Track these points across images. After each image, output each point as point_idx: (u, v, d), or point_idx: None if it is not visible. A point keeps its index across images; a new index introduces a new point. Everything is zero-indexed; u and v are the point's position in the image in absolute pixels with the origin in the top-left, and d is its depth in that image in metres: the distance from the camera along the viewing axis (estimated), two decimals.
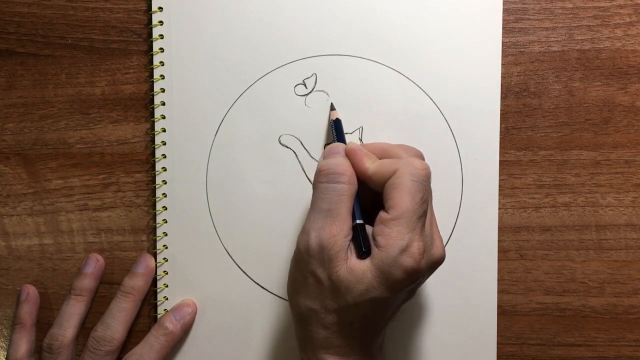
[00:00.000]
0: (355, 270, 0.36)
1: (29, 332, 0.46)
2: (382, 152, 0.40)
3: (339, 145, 0.40)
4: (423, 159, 0.40)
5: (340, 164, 0.38)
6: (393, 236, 0.35)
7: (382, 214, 0.36)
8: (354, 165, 0.38)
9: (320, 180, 0.38)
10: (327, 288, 0.36)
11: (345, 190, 0.37)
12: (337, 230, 0.36)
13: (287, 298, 0.46)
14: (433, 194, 0.39)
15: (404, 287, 0.36)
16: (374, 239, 0.36)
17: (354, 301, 0.36)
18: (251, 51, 0.45)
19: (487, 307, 0.45)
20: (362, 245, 0.36)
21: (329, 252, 0.36)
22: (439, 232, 0.39)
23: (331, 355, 0.37)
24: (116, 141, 0.47)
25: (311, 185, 0.45)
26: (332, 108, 0.45)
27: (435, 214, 0.40)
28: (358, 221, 0.37)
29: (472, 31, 0.44)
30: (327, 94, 0.45)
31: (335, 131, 0.43)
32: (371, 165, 0.38)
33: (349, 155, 0.39)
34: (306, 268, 0.37)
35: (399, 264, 0.35)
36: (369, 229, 0.37)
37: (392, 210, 0.36)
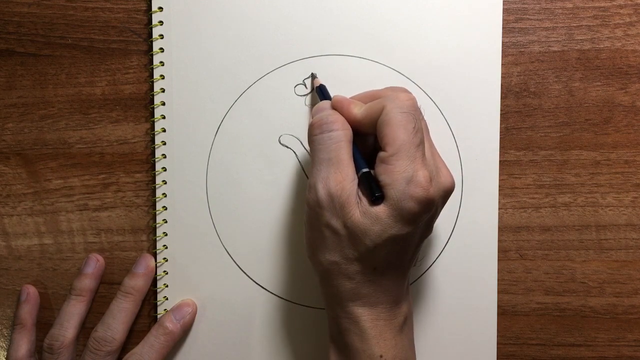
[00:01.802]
0: (369, 212, 0.36)
1: (29, 332, 0.46)
2: (371, 97, 0.40)
3: (324, 102, 0.41)
4: (407, 91, 0.40)
5: (330, 114, 0.38)
6: (396, 171, 0.35)
7: (380, 153, 0.36)
8: (343, 115, 0.39)
9: (315, 132, 0.38)
10: (345, 237, 0.36)
11: (341, 136, 0.37)
12: (343, 176, 0.36)
13: (287, 298, 0.46)
14: None
15: (419, 218, 0.36)
16: (378, 179, 0.36)
17: (373, 243, 0.36)
18: (251, 51, 0.45)
19: (487, 307, 0.45)
20: (373, 190, 0.36)
21: (339, 199, 0.36)
22: (443, 161, 0.39)
23: (360, 306, 0.37)
24: (116, 141, 0.47)
25: None
26: (314, 77, 0.45)
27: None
28: (364, 170, 0.37)
29: (472, 31, 0.44)
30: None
31: (322, 96, 0.43)
32: (359, 110, 0.38)
33: (336, 106, 0.39)
34: (320, 222, 0.37)
35: (408, 195, 0.35)
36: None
37: (389, 147, 0.36)
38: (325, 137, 0.37)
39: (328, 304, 0.40)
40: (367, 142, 0.40)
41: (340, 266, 0.37)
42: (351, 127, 0.38)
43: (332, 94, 0.45)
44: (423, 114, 0.39)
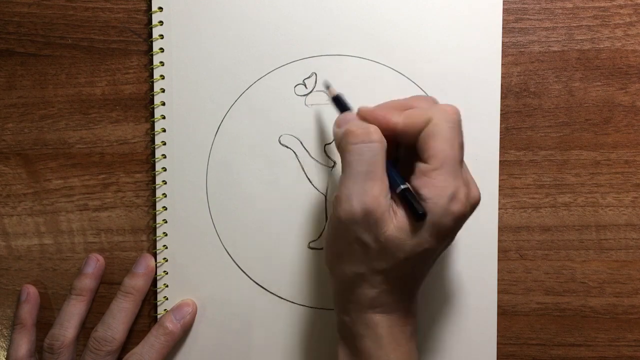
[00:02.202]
0: (405, 226, 0.35)
1: (30, 332, 0.46)
2: (398, 107, 0.38)
3: (349, 114, 0.39)
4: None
5: (364, 124, 0.37)
6: (439, 185, 0.34)
7: (421, 165, 0.35)
8: (378, 124, 0.37)
9: (351, 141, 0.36)
10: (375, 250, 0.36)
11: (379, 148, 0.36)
12: (379, 191, 0.35)
13: (287, 298, 0.46)
14: None
15: (453, 233, 0.36)
16: (417, 192, 0.35)
17: (406, 256, 0.35)
18: (251, 51, 0.45)
19: (487, 307, 0.45)
20: (416, 209, 0.35)
21: (374, 215, 0.35)
22: (471, 175, 0.38)
23: (377, 313, 0.37)
24: (116, 141, 0.47)
25: (311, 185, 0.45)
26: (327, 85, 0.43)
27: None
28: (403, 186, 0.36)
29: (472, 31, 0.44)
30: (327, 94, 0.45)
31: (339, 107, 0.41)
32: (398, 119, 0.37)
33: (367, 117, 0.38)
34: (350, 235, 0.36)
35: (449, 212, 0.35)
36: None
37: (433, 160, 0.35)
38: (365, 148, 0.36)
39: (343, 308, 0.39)
40: (389, 150, 0.38)
41: (365, 276, 0.37)
42: (388, 135, 0.37)
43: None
44: None
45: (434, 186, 0.35)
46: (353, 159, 0.36)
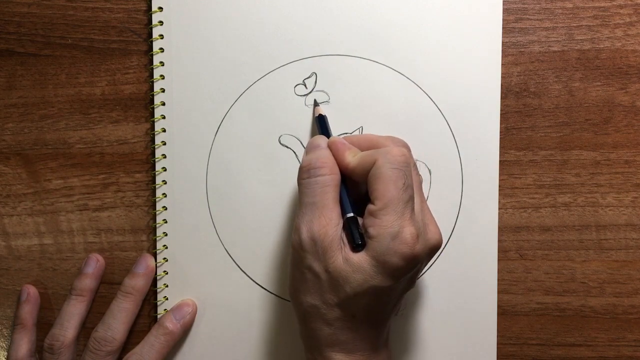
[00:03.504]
0: (352, 260, 0.36)
1: (30, 332, 0.46)
2: (369, 144, 0.40)
3: (318, 139, 0.40)
4: (406, 147, 0.40)
5: (320, 157, 0.38)
6: (383, 225, 0.35)
7: (369, 206, 0.37)
8: (336, 159, 0.39)
9: (303, 177, 0.38)
10: (325, 281, 0.36)
11: (327, 181, 0.37)
12: (326, 220, 0.36)
13: (287, 298, 0.46)
14: (433, 193, 0.39)
15: (403, 274, 0.36)
16: (365, 231, 0.36)
17: (354, 292, 0.36)
18: (251, 51, 0.45)
19: (487, 307, 0.45)
20: (355, 238, 0.36)
21: (322, 244, 0.36)
22: (432, 217, 0.39)
23: (337, 352, 0.37)
24: (116, 141, 0.47)
25: None
26: (316, 104, 0.45)
27: (434, 212, 0.40)
28: (348, 215, 0.37)
29: (472, 31, 0.44)
30: (327, 94, 0.45)
31: (320, 128, 0.43)
32: (352, 159, 0.38)
33: (331, 148, 0.39)
34: (302, 264, 0.37)
35: (393, 251, 0.35)
36: (360, 221, 0.38)
37: (378, 201, 0.36)
38: (312, 182, 0.38)
39: (306, 346, 0.40)
40: (360, 187, 0.40)
41: (320, 310, 0.37)
42: (343, 173, 0.38)
43: (332, 97, 0.45)
44: (418, 168, 0.39)
45: (378, 225, 0.36)
46: (303, 191, 0.38)
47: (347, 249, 0.36)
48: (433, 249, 0.38)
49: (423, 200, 0.39)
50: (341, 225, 0.37)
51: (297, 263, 0.38)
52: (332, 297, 0.36)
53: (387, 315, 0.39)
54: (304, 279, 0.37)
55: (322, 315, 0.37)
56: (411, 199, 0.36)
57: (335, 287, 0.36)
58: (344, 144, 0.39)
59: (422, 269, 0.39)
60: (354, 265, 0.36)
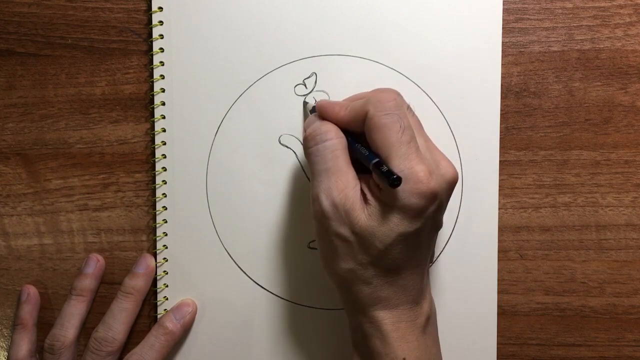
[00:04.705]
0: (374, 214, 0.36)
1: (30, 332, 0.46)
2: (358, 99, 0.39)
3: (312, 116, 0.41)
4: (395, 92, 0.38)
5: (321, 124, 0.39)
6: (393, 170, 0.35)
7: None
8: (329, 118, 0.39)
9: (310, 145, 0.38)
10: (355, 242, 0.36)
11: (336, 144, 0.37)
12: (344, 184, 0.36)
13: (287, 298, 0.46)
14: None
15: (425, 212, 0.36)
16: (377, 185, 0.36)
17: (384, 244, 0.36)
18: (251, 51, 0.45)
19: (487, 307, 0.45)
20: (389, 177, 0.34)
21: (344, 207, 0.36)
22: (442, 154, 0.39)
23: (380, 310, 0.37)
24: (116, 141, 0.47)
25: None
26: (305, 103, 0.45)
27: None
28: (374, 161, 0.36)
29: (472, 31, 0.44)
30: (327, 94, 0.45)
31: (310, 112, 0.43)
32: (345, 112, 0.38)
33: (320, 111, 0.40)
34: (329, 232, 0.37)
35: (409, 192, 0.35)
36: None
37: (380, 150, 0.36)
38: (321, 148, 0.37)
39: (349, 311, 0.40)
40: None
41: (356, 272, 0.37)
42: (342, 128, 0.38)
43: (332, 97, 0.45)
44: (413, 109, 0.39)
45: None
46: (313, 160, 0.38)
47: (370, 206, 0.36)
48: (450, 183, 0.37)
49: (427, 139, 0.39)
50: (359, 186, 0.37)
51: (322, 233, 0.38)
52: (364, 257, 0.37)
53: (422, 262, 0.39)
54: (334, 246, 0.37)
55: (359, 277, 0.37)
56: (412, 139, 0.36)
57: (365, 245, 0.36)
58: (330, 102, 0.40)
59: (445, 207, 0.38)
60: (378, 218, 0.36)
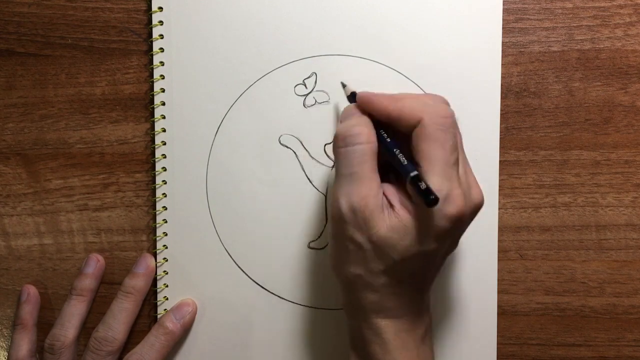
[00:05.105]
0: (398, 226, 0.35)
1: (30, 332, 0.46)
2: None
3: (351, 107, 0.39)
4: (447, 104, 0.38)
5: (356, 124, 0.37)
6: (432, 188, 0.34)
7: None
8: (373, 110, 0.37)
9: (339, 145, 0.37)
10: (369, 251, 0.36)
11: (365, 150, 0.36)
12: (366, 191, 0.35)
13: (286, 298, 0.46)
14: None
15: (450, 236, 0.36)
16: (407, 194, 0.36)
17: (401, 257, 0.35)
18: (251, 51, 0.45)
19: (487, 307, 0.45)
20: (427, 196, 0.33)
21: (363, 215, 0.35)
22: (474, 177, 0.38)
23: (382, 319, 0.37)
24: (116, 141, 0.47)
25: (311, 185, 0.45)
26: (344, 85, 0.43)
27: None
28: (412, 174, 0.35)
29: (472, 31, 0.44)
30: (327, 94, 0.45)
31: (349, 97, 0.41)
32: (394, 108, 0.36)
33: (363, 103, 0.38)
34: (344, 235, 0.36)
35: (442, 214, 0.34)
36: (387, 187, 0.36)
37: (424, 162, 0.35)
38: (350, 151, 0.36)
39: (350, 313, 0.39)
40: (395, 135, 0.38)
41: (365, 279, 0.37)
42: (382, 119, 0.37)
43: (332, 97, 0.45)
44: (459, 127, 0.38)
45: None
46: (340, 161, 0.37)
47: (392, 215, 0.35)
48: (477, 209, 0.37)
49: (466, 161, 0.38)
50: (381, 194, 0.36)
51: (337, 235, 0.37)
52: (377, 265, 0.36)
53: (432, 278, 0.39)
54: (346, 250, 0.37)
55: (367, 284, 0.37)
56: (457, 161, 0.36)
57: (381, 255, 0.36)
58: (376, 95, 0.37)
59: (465, 229, 0.38)
60: (401, 232, 0.35)
